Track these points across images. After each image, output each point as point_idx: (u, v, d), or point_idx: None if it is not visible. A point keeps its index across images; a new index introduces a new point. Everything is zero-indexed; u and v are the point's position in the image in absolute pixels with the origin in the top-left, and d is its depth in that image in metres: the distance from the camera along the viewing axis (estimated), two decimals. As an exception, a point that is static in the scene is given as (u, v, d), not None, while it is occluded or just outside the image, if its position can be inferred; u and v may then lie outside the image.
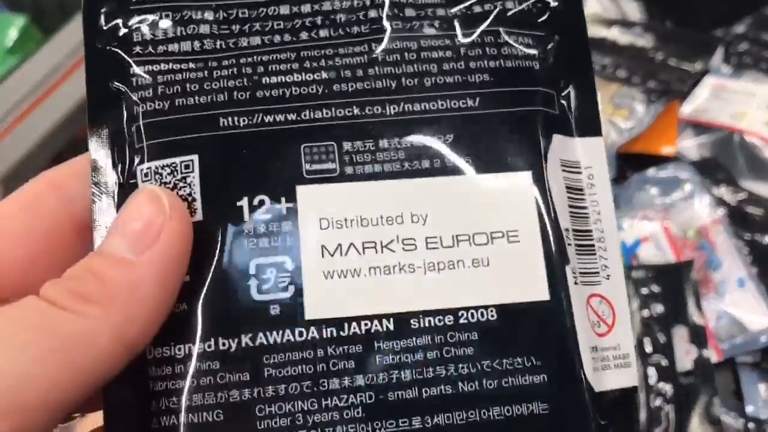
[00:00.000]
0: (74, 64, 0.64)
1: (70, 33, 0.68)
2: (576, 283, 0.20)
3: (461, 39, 0.21)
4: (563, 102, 0.21)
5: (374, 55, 0.21)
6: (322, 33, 0.21)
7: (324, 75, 0.20)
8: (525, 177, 0.20)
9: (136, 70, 0.20)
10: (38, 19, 1.16)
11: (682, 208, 0.51)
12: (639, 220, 0.51)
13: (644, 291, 0.47)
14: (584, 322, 0.20)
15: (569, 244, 0.20)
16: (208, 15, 0.21)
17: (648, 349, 0.45)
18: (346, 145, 0.20)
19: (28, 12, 1.17)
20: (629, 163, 0.54)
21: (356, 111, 0.20)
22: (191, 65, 0.20)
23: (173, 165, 0.20)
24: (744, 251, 0.49)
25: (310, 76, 0.20)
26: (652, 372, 0.44)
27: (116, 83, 0.21)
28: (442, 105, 0.21)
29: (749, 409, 0.45)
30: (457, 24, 0.21)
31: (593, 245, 0.21)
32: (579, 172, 0.21)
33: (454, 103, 0.21)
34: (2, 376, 0.15)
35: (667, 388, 0.44)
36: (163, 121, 0.20)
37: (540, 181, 0.20)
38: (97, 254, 0.18)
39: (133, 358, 0.17)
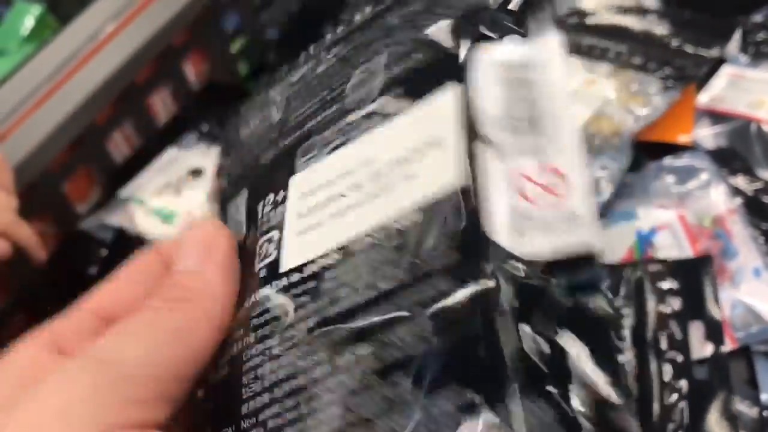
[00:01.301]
0: (90, 51, 0.64)
1: (86, 20, 0.68)
2: (500, 161, 0.22)
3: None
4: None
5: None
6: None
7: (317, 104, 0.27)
8: (446, 92, 0.23)
9: None
10: (54, 7, 1.16)
11: (698, 196, 0.50)
12: (655, 209, 0.50)
13: (662, 286, 0.46)
14: (507, 194, 0.21)
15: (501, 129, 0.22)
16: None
17: (664, 345, 0.45)
18: (320, 137, 0.25)
19: (44, 1, 1.17)
20: (645, 151, 0.54)
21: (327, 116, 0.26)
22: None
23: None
24: (760, 240, 0.48)
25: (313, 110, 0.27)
26: (667, 369, 0.44)
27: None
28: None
29: (764, 397, 0.44)
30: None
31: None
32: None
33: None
34: (149, 367, 0.21)
35: (683, 384, 0.43)
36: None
37: (461, 86, 0.23)
38: (175, 272, 0.24)
39: (222, 338, 0.23)
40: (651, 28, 0.61)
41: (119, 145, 0.67)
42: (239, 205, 0.26)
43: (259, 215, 0.25)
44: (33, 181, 0.57)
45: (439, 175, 0.21)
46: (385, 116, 0.24)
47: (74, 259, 0.58)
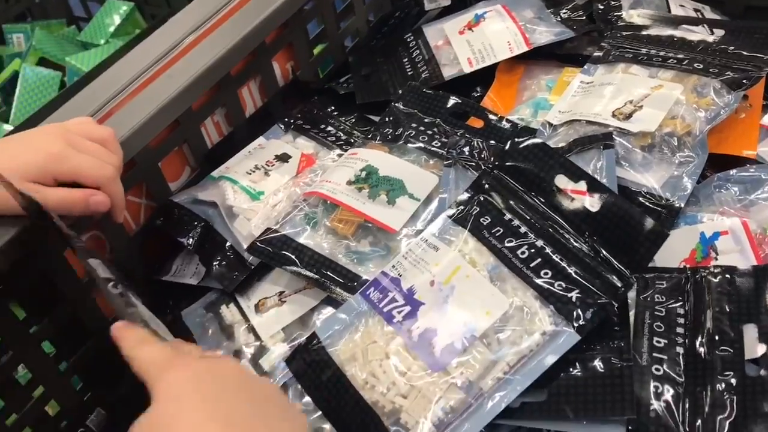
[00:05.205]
0: (193, 41, 0.69)
1: (190, 13, 0.73)
2: None
3: None
4: None
5: None
6: None
7: None
8: None
9: None
10: (142, 6, 1.24)
11: (762, 206, 0.53)
12: (719, 215, 0.53)
13: (719, 290, 0.49)
14: None
15: None
16: None
17: (717, 341, 0.46)
18: None
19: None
20: (710, 162, 0.57)
21: None
22: None
23: None
24: (821, 251, 0.50)
25: None
26: (718, 363, 0.46)
27: None
28: None
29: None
30: None
31: None
32: None
33: None
34: None
35: (733, 378, 0.45)
36: None
37: None
38: None
39: None
40: (705, 37, 0.64)
41: (210, 131, 0.72)
42: None
43: None
44: (133, 156, 0.62)
45: None
46: None
47: (169, 229, 0.62)
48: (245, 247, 0.58)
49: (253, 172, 0.64)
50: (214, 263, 0.58)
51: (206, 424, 0.33)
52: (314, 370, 0.51)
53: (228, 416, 0.33)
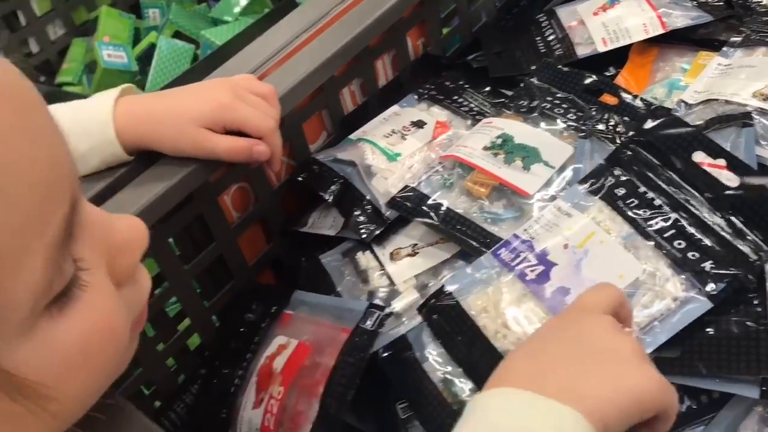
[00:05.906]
0: (338, 14, 0.73)
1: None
2: None
3: None
4: None
5: None
6: None
7: None
8: None
9: None
10: (271, -14, 1.30)
11: None
12: None
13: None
14: None
15: None
16: None
17: None
18: None
19: (266, -21, 1.30)
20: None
21: None
22: None
23: None
24: None
25: None
26: None
27: None
28: None
29: None
30: None
31: None
32: None
33: None
34: None
35: None
36: None
37: None
38: None
39: None
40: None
41: (346, 98, 0.77)
42: None
43: None
44: (283, 116, 0.67)
45: None
46: None
47: (311, 184, 0.67)
48: (382, 202, 0.62)
49: (390, 135, 0.68)
50: (353, 215, 0.62)
51: (521, 358, 0.41)
52: (445, 318, 0.54)
53: (535, 353, 0.40)
